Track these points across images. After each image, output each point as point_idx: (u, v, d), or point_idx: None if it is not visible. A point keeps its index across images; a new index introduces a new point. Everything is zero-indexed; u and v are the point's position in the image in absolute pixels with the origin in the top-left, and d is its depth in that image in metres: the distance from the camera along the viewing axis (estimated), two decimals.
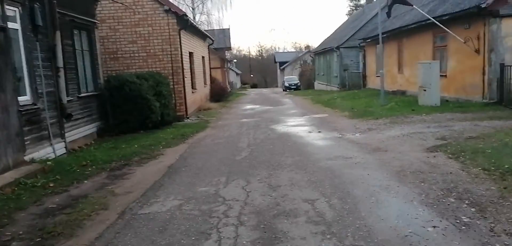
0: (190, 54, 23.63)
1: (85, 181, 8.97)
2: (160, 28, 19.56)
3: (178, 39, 19.78)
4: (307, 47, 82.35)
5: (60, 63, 11.51)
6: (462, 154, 8.99)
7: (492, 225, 5.32)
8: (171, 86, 19.40)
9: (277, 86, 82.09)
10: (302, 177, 8.13)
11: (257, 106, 28.38)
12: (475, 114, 14.78)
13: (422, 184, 7.20)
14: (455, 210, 5.89)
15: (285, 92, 51.42)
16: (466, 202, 6.19)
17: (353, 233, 5.29)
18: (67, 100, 12.70)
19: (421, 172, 7.94)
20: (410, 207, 6.16)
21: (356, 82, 37.17)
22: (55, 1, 11.47)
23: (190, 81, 23.18)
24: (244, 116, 21.19)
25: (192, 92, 23.48)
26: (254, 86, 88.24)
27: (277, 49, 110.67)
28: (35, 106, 10.53)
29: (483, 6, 16.32)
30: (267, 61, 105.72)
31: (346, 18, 64.02)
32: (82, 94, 14.25)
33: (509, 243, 4.82)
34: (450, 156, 9.06)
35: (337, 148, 10.98)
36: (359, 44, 36.04)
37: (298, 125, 16.46)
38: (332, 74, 42.98)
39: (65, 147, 11.88)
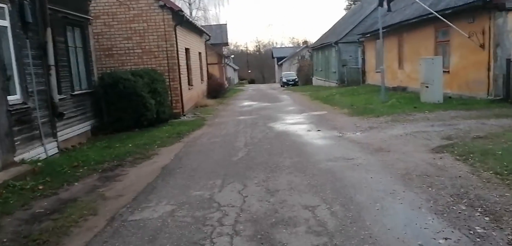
0: (187, 50, 23.21)
1: (76, 183, 8.60)
2: (156, 24, 19.14)
3: (174, 35, 19.36)
4: (305, 42, 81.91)
5: (52, 61, 11.11)
6: (471, 155, 8.58)
7: (510, 237, 4.92)
8: (167, 83, 19.01)
9: (275, 82, 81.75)
10: (302, 180, 7.74)
11: (255, 103, 28.00)
12: (480, 112, 14.41)
13: (430, 189, 6.81)
14: (467, 219, 5.50)
15: (283, 88, 51.09)
16: (479, 210, 5.80)
17: None
18: (60, 99, 12.36)
19: (427, 175, 7.55)
20: (418, 215, 5.77)
21: (355, 78, 36.76)
22: None
23: (187, 77, 22.79)
24: (242, 114, 20.81)
25: (189, 89, 23.09)
26: (251, 82, 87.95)
27: (274, 45, 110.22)
28: (26, 106, 10.14)
29: None
30: (264, 57, 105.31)
31: (344, 12, 63.53)
32: (76, 92, 13.88)
33: None
34: (457, 157, 8.66)
35: (337, 148, 10.59)
36: (358, 39, 35.62)
37: (296, 122, 16.07)
38: (331, 70, 42.59)
39: (57, 147, 11.50)
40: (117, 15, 19.04)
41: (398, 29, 25.26)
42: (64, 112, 12.03)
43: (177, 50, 19.67)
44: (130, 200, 7.24)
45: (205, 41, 33.46)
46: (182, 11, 20.51)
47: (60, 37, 12.99)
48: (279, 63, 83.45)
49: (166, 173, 9.06)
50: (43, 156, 10.54)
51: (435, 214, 5.75)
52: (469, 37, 17.28)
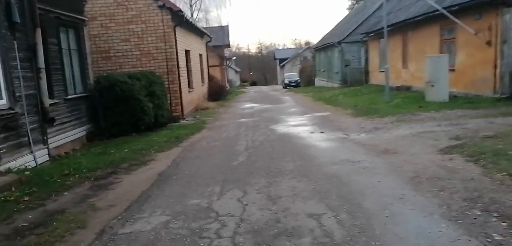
0: (187, 52, 22.76)
1: (65, 193, 8.08)
2: (154, 25, 18.70)
3: (173, 37, 18.91)
4: (307, 43, 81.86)
5: (42, 63, 10.57)
6: (482, 156, 8.11)
7: None
8: (166, 86, 18.58)
9: (277, 84, 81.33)
10: (305, 185, 7.25)
11: (256, 104, 27.52)
12: (487, 111, 13.96)
13: (441, 193, 6.34)
14: (483, 226, 5.06)
15: (285, 89, 50.68)
16: (495, 215, 5.35)
17: None
18: (52, 103, 11.87)
19: (438, 178, 7.07)
20: (431, 222, 5.31)
21: (358, 78, 36.25)
22: None
23: (187, 80, 22.33)
24: (243, 116, 20.31)
25: (189, 91, 22.63)
26: (253, 84, 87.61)
27: (276, 46, 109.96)
28: (12, 111, 9.59)
29: None
30: (266, 59, 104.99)
31: (347, 12, 63.02)
32: (70, 96, 13.39)
33: None
34: (468, 158, 8.18)
35: (342, 150, 10.11)
36: (361, 38, 35.11)
37: (299, 124, 15.59)
38: (333, 70, 42.09)
39: (48, 154, 10.96)
40: (114, 16, 18.59)
41: (403, 28, 24.74)
42: (56, 117, 11.57)
43: (177, 52, 19.23)
44: (122, 211, 6.76)
45: (206, 43, 32.99)
46: (182, 12, 20.03)
47: (52, 38, 12.51)
48: (281, 64, 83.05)
49: (162, 180, 8.58)
50: (32, 164, 10.03)
51: (449, 220, 5.30)
52: (475, 34, 16.78)
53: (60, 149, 12.21)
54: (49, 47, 12.20)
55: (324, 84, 45.75)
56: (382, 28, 25.73)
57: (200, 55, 29.12)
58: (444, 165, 7.90)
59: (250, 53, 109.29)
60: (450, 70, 18.26)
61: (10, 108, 9.57)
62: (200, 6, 54.83)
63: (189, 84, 23.18)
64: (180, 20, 19.63)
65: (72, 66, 14.00)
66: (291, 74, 61.88)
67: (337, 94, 28.03)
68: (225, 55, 56.12)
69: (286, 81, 57.04)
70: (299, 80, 56.35)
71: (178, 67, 19.37)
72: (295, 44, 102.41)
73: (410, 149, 9.51)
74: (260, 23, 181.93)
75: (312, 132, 13.29)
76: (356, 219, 5.54)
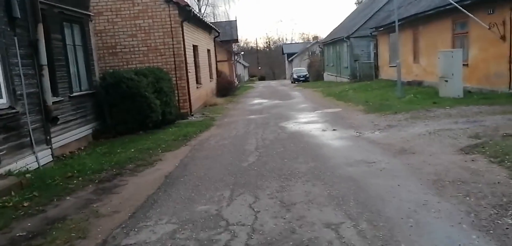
0: (194, 47, 22.39)
1: (67, 197, 7.71)
2: (161, 20, 18.30)
3: (181, 32, 18.52)
4: (315, 38, 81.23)
5: (44, 60, 10.16)
6: (506, 157, 7.66)
7: None
8: (174, 82, 18.18)
9: (285, 78, 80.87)
10: (321, 190, 6.84)
11: (265, 100, 27.09)
12: (503, 107, 13.44)
13: (467, 198, 5.91)
14: None
15: (293, 84, 50.26)
16: None
17: None
18: (56, 101, 11.57)
19: (462, 181, 6.64)
20: (460, 233, 4.88)
21: (368, 73, 35.70)
22: None
23: (195, 76, 21.95)
24: (252, 113, 19.92)
25: (197, 87, 22.25)
26: (262, 78, 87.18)
27: (284, 41, 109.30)
28: (13, 110, 9.19)
29: None
30: (274, 53, 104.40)
31: (354, 7, 62.35)
32: (75, 94, 13.03)
33: None
34: (491, 159, 7.74)
35: (356, 150, 9.69)
36: (370, 33, 34.52)
37: (310, 121, 15.17)
38: (342, 65, 41.58)
39: (51, 155, 10.57)
40: (121, 12, 18.20)
41: (414, 22, 24.20)
42: (60, 116, 11.20)
43: (184, 47, 18.84)
44: (127, 218, 6.39)
45: (214, 38, 32.59)
46: (189, 6, 19.65)
47: (56, 34, 12.14)
48: (290, 59, 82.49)
49: (169, 183, 8.19)
50: (35, 166, 9.64)
51: (479, 231, 4.88)
52: (489, 29, 16.29)
53: (65, 148, 11.88)
54: (52, 43, 11.86)
55: (333, 79, 45.26)
56: (392, 22, 25.23)
57: (208, 50, 28.74)
58: (467, 166, 7.46)
59: (258, 48, 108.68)
60: (463, 65, 17.74)
61: (11, 107, 9.16)
62: (208, 0, 54.37)
63: (197, 80, 22.82)
64: (187, 15, 19.24)
65: (77, 63, 13.65)
66: (300, 68, 61.43)
67: (347, 89, 27.56)
68: (233, 50, 55.66)
69: (295, 76, 56.64)
70: (307, 75, 55.90)
71: (186, 63, 19.00)
72: (303, 38, 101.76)
73: (428, 149, 9.07)
74: (268, 17, 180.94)
75: (324, 130, 12.88)
76: (377, 229, 5.13)
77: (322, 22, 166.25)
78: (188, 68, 19.27)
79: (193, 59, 21.63)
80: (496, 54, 16.57)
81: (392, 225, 5.21)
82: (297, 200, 6.43)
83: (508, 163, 7.33)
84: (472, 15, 16.75)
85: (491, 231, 4.82)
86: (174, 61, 18.49)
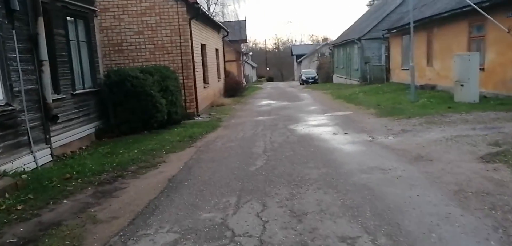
0: (202, 46, 21.95)
1: (64, 201, 7.28)
2: (169, 17, 17.89)
3: (189, 30, 18.09)
4: (325, 39, 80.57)
5: (44, 55, 9.72)
6: None
7: None
8: (181, 81, 17.76)
9: (293, 80, 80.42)
10: (333, 198, 6.35)
11: (274, 101, 26.61)
12: None
13: (493, 211, 5.43)
14: None
15: (302, 86, 49.78)
16: None
17: None
18: (58, 99, 11.19)
19: (486, 192, 6.15)
20: None
21: (378, 76, 35.12)
22: None
23: (202, 75, 21.51)
24: (260, 114, 19.43)
25: (204, 87, 21.80)
26: (270, 79, 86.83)
27: (294, 42, 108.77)
28: (10, 108, 8.74)
29: None
30: (283, 54, 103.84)
31: (366, 9, 61.82)
32: (78, 91, 12.63)
33: None
34: None
35: (370, 155, 9.19)
36: (382, 35, 33.94)
37: (320, 124, 14.67)
38: (353, 67, 41.04)
39: (51, 154, 10.15)
40: (127, 8, 17.80)
41: (428, 24, 23.59)
42: (61, 114, 10.80)
43: (192, 46, 18.44)
44: (126, 225, 5.95)
45: (223, 37, 32.17)
46: (198, 3, 19.17)
47: (59, 29, 11.73)
48: (298, 60, 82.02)
49: (172, 187, 7.75)
50: (32, 166, 9.21)
51: None
52: (508, 32, 15.70)
53: (66, 147, 11.47)
54: (55, 39, 11.46)
55: (342, 81, 44.71)
56: (405, 24, 24.77)
57: (217, 49, 28.30)
58: (489, 176, 6.96)
59: (267, 49, 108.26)
60: (479, 69, 17.16)
61: (7, 104, 8.71)
62: (217, 0, 54.04)
63: (205, 80, 22.38)
64: (195, 12, 18.82)
65: (80, 60, 13.23)
66: (309, 70, 60.98)
67: (357, 92, 27.01)
68: (242, 50, 55.27)
69: (304, 77, 56.21)
70: (316, 77, 55.41)
71: (193, 62, 18.57)
72: (313, 40, 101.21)
73: (447, 156, 8.56)
74: (277, 18, 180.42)
75: (335, 133, 12.38)
76: (398, 244, 4.65)
77: (332, 24, 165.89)
78: (195, 67, 18.84)
79: (200, 58, 21.19)
80: None
81: (413, 241, 4.74)
82: (308, 209, 5.96)
83: None
84: (490, 18, 16.14)
85: None
86: (181, 59, 18.08)
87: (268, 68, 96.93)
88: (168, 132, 14.32)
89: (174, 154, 10.92)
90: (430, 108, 15.79)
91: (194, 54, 18.88)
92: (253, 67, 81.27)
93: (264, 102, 26.73)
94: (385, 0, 44.38)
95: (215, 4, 51.40)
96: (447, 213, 5.49)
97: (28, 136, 9.31)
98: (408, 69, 24.90)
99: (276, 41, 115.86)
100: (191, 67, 18.35)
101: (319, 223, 5.42)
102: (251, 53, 77.68)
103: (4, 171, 8.12)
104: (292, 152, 10.10)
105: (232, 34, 41.46)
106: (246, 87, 42.54)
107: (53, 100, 10.39)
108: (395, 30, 30.16)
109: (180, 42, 17.97)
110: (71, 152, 11.50)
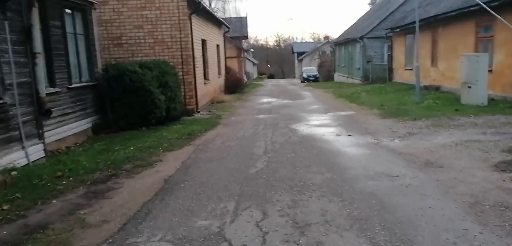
0: (203, 41, 21.54)
1: (54, 201, 6.90)
2: (169, 11, 17.47)
3: (189, 25, 17.68)
4: (326, 37, 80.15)
5: (38, 47, 9.36)
6: None
7: None
8: (180, 77, 17.36)
9: (294, 77, 79.97)
10: (339, 208, 5.93)
11: (274, 99, 26.16)
12: None
13: None
14: None
15: (303, 84, 49.32)
16: None
17: None
18: (53, 92, 10.83)
19: (505, 206, 5.69)
20: None
21: (381, 76, 34.60)
22: None
23: (202, 71, 21.09)
24: (260, 112, 19.01)
25: (204, 83, 21.38)
26: (271, 76, 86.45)
27: (295, 39, 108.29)
28: (1, 101, 8.36)
29: None
30: (284, 52, 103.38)
31: (368, 7, 61.17)
32: (74, 85, 12.25)
33: None
34: None
35: (376, 160, 8.77)
36: (385, 34, 33.41)
37: (322, 124, 14.25)
38: (354, 66, 40.61)
39: (44, 150, 9.77)
40: (127, 1, 17.37)
41: (432, 24, 23.10)
42: (56, 108, 10.43)
43: (192, 41, 18.04)
44: (116, 230, 5.58)
45: (224, 33, 31.76)
46: None
47: (55, 21, 11.33)
48: (299, 58, 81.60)
49: (167, 189, 7.36)
50: (24, 162, 8.84)
51: None
52: None
53: (61, 142, 11.10)
54: (51, 31, 11.11)
55: (344, 80, 44.27)
56: (409, 23, 24.30)
57: (217, 45, 27.89)
58: (507, 187, 6.51)
59: (268, 46, 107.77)
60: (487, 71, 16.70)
61: None
62: None
63: (205, 76, 21.96)
64: (196, 7, 18.40)
65: (77, 53, 12.86)
66: (310, 68, 60.55)
67: (359, 91, 26.56)
68: (243, 46, 54.85)
69: (305, 75, 55.78)
70: (317, 75, 55.01)
71: (194, 58, 18.17)
72: (314, 38, 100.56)
73: (458, 163, 8.13)
74: (278, 15, 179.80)
75: (338, 135, 11.97)
76: None
77: (333, 22, 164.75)
78: (195, 63, 18.45)
79: (201, 54, 20.78)
80: None
81: None
82: (312, 219, 5.55)
83: None
84: (500, 17, 15.66)
85: None
86: (181, 55, 17.67)
87: (269, 66, 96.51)
88: (167, 128, 13.92)
89: (171, 152, 10.53)
90: (436, 110, 15.35)
91: (195, 50, 18.48)
92: (254, 64, 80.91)
93: (265, 100, 26.30)
94: None
95: (217, 0, 50.93)
96: (464, 229, 5.06)
97: (20, 131, 8.95)
98: (411, 69, 24.49)
99: (277, 38, 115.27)
100: (191, 63, 17.95)
101: (324, 237, 5.01)
102: (252, 50, 77.33)
103: None
104: (294, 153, 9.70)
105: (233, 30, 41.05)
106: (247, 84, 42.15)
107: (48, 94, 10.10)
108: (398, 29, 29.69)
109: (180, 37, 17.56)
110: (66, 147, 11.13)
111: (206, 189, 7.21)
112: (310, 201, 6.31)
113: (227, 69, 33.22)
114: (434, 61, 23.99)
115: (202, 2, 19.11)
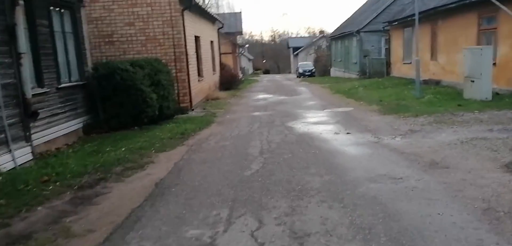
0: (196, 38, 21.14)
1: (39, 208, 6.51)
2: (161, 8, 17.06)
3: (181, 21, 17.30)
4: (321, 32, 79.72)
5: (23, 47, 8.97)
6: None
7: None
8: (174, 75, 16.97)
9: (290, 73, 79.67)
10: (340, 215, 5.52)
11: (270, 95, 25.77)
12: None
13: None
14: None
15: (299, 79, 48.99)
16: None
17: None
18: (41, 93, 10.48)
19: None
20: None
21: (378, 70, 34.20)
22: None
23: (196, 68, 20.68)
24: (256, 109, 18.60)
25: (198, 80, 20.97)
26: (266, 72, 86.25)
27: (290, 34, 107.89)
28: None
29: None
30: (280, 47, 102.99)
31: (364, 1, 60.76)
32: (63, 85, 11.88)
33: None
34: None
35: (377, 160, 8.37)
36: (383, 27, 33.01)
37: (320, 121, 13.84)
38: (351, 61, 40.22)
39: (32, 153, 9.38)
40: None
41: (432, 16, 22.65)
42: (45, 109, 10.06)
43: (185, 38, 17.66)
44: (101, 241, 5.20)
45: (218, 29, 31.36)
46: None
47: (42, 19, 10.95)
48: (295, 53, 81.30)
49: (158, 194, 6.96)
50: (10, 166, 8.48)
51: None
52: None
53: (51, 144, 10.75)
54: (37, 30, 10.75)
55: (340, 75, 43.87)
56: (408, 16, 23.89)
57: (212, 42, 27.51)
58: None
59: (263, 41, 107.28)
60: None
61: None
62: None
63: (199, 73, 21.56)
64: (188, 3, 17.95)
65: (66, 52, 12.51)
66: (306, 63, 60.21)
67: (356, 86, 26.13)
68: (238, 42, 54.40)
69: (300, 70, 55.43)
70: (313, 70, 54.63)
71: (187, 55, 17.78)
72: (309, 32, 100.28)
73: (465, 163, 7.71)
74: (273, 10, 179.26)
75: (336, 133, 11.57)
76: None
77: (329, 17, 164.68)
78: (189, 60, 18.05)
79: (194, 50, 20.39)
80: None
81: None
82: (311, 229, 5.14)
83: None
84: (505, 8, 15.18)
85: None
86: (174, 52, 17.27)
87: (264, 61, 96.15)
88: (159, 128, 13.52)
89: (163, 153, 10.14)
90: (437, 105, 14.93)
91: (188, 47, 18.09)
92: (249, 59, 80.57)
93: (261, 96, 25.90)
94: None
95: None
96: (478, 239, 4.64)
97: (6, 134, 8.60)
98: (410, 63, 24.09)
99: (272, 33, 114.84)
100: (185, 60, 17.56)
101: None
102: (247, 45, 76.89)
103: None
104: (291, 154, 9.29)
105: (228, 26, 40.62)
106: (242, 80, 41.79)
107: (36, 94, 9.80)
108: (396, 23, 29.30)
109: (173, 34, 17.16)
110: (56, 149, 10.77)
111: (199, 194, 6.81)
112: (309, 207, 5.90)
113: (222, 65, 32.84)
114: (433, 54, 23.59)
115: None
